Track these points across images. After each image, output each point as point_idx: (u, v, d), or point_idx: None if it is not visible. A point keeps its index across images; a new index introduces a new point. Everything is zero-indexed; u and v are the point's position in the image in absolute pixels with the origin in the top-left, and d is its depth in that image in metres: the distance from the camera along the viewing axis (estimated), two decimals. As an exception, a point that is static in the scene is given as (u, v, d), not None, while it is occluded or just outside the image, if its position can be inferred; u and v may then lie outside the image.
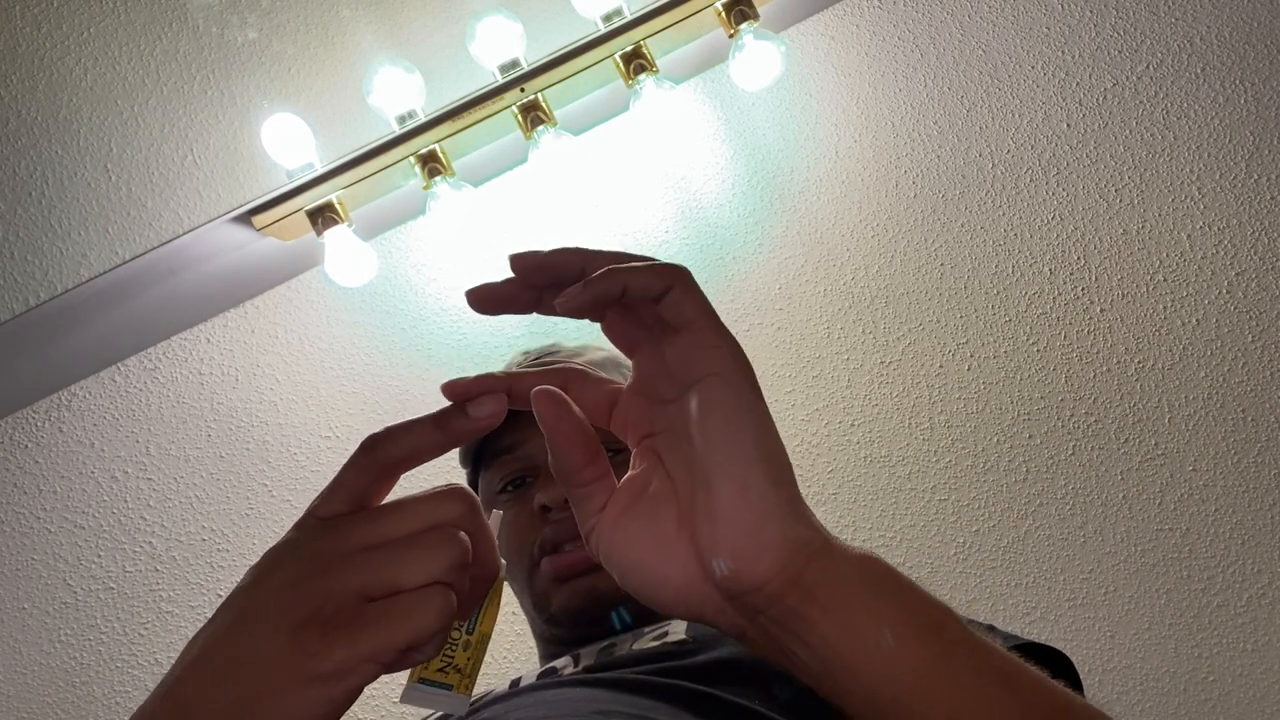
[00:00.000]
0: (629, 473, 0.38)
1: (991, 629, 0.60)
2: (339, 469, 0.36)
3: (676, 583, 0.35)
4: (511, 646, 1.29)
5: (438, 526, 0.33)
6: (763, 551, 0.32)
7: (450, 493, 0.35)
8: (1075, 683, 0.59)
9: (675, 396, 0.36)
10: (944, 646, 0.33)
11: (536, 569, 0.74)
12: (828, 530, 0.35)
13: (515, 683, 0.64)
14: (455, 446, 0.36)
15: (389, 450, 0.35)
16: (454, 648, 0.39)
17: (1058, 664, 0.59)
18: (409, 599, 0.31)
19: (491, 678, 1.29)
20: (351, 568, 0.32)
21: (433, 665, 0.38)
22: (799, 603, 0.33)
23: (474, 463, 0.85)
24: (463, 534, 0.33)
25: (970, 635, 0.35)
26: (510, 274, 0.37)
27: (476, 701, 0.66)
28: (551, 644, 0.76)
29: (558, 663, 0.65)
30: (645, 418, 0.38)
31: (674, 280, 0.35)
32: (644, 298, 0.35)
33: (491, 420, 0.36)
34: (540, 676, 0.63)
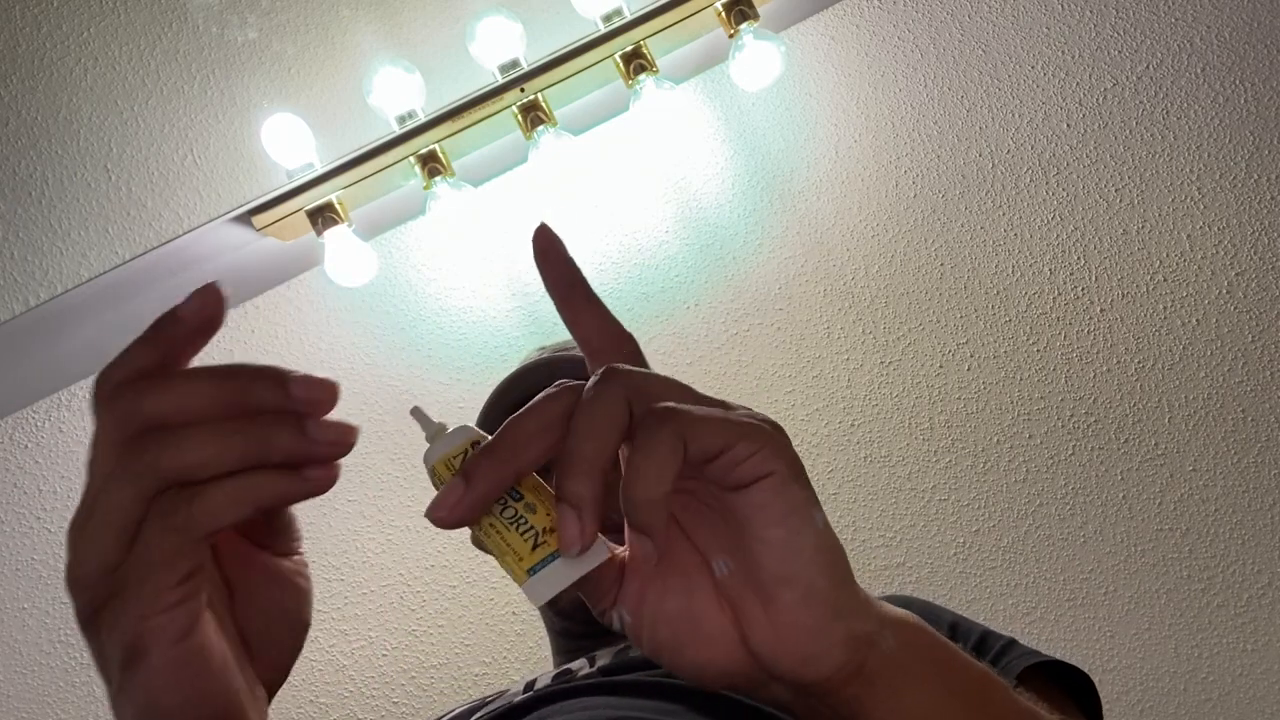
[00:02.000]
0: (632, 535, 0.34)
1: (1013, 644, 0.60)
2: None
3: (723, 665, 0.32)
4: (512, 646, 1.30)
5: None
6: (827, 654, 0.31)
7: (106, 406, 0.30)
8: (1094, 704, 0.59)
9: (714, 485, 0.32)
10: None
11: None
12: (871, 597, 0.34)
13: (530, 685, 0.64)
14: (180, 360, 0.32)
15: (105, 386, 0.31)
16: (518, 520, 0.32)
17: (1078, 683, 0.59)
18: (132, 557, 0.29)
19: (494, 678, 1.30)
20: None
21: (518, 551, 0.32)
22: (859, 691, 0.32)
23: None
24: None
25: (1018, 704, 0.35)
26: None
27: (489, 700, 0.66)
28: (564, 638, 0.77)
29: (574, 665, 0.65)
30: None
31: (742, 438, 0.31)
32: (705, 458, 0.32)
33: (200, 315, 0.31)
34: (556, 679, 0.63)
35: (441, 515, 0.30)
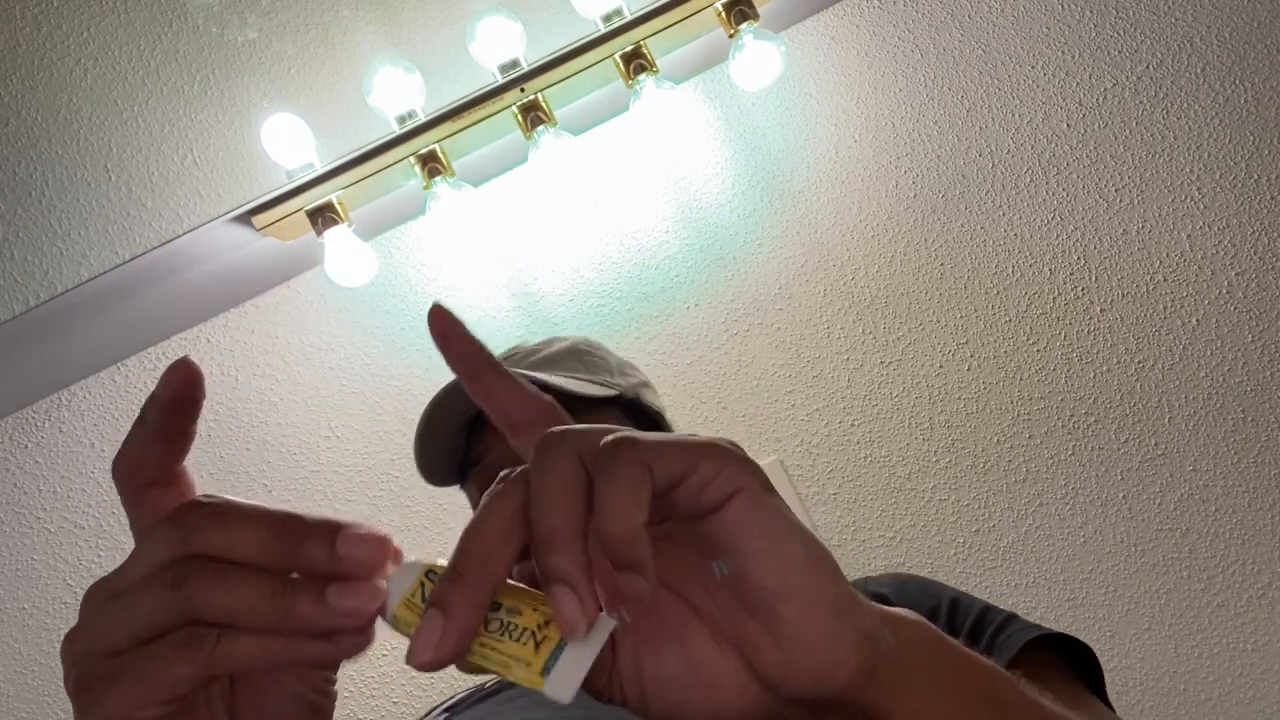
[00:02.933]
0: (607, 594, 0.32)
1: (1012, 618, 0.60)
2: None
3: (737, 707, 0.31)
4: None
5: (153, 570, 0.29)
6: (844, 660, 0.30)
7: (169, 519, 0.30)
8: (1097, 674, 0.59)
9: (686, 516, 0.31)
10: (1006, 713, 0.33)
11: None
12: (872, 605, 0.33)
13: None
14: (171, 437, 0.32)
15: (118, 473, 0.32)
16: (508, 629, 0.30)
17: (1079, 655, 0.59)
18: (142, 654, 0.28)
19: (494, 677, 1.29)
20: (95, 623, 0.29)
21: (523, 658, 0.30)
22: (875, 696, 0.31)
23: (461, 484, 0.80)
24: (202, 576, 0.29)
25: (1024, 695, 0.35)
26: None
27: (466, 698, 0.65)
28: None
29: None
30: None
31: (704, 458, 0.30)
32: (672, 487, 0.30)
33: (174, 399, 0.31)
34: None
35: (426, 659, 0.28)
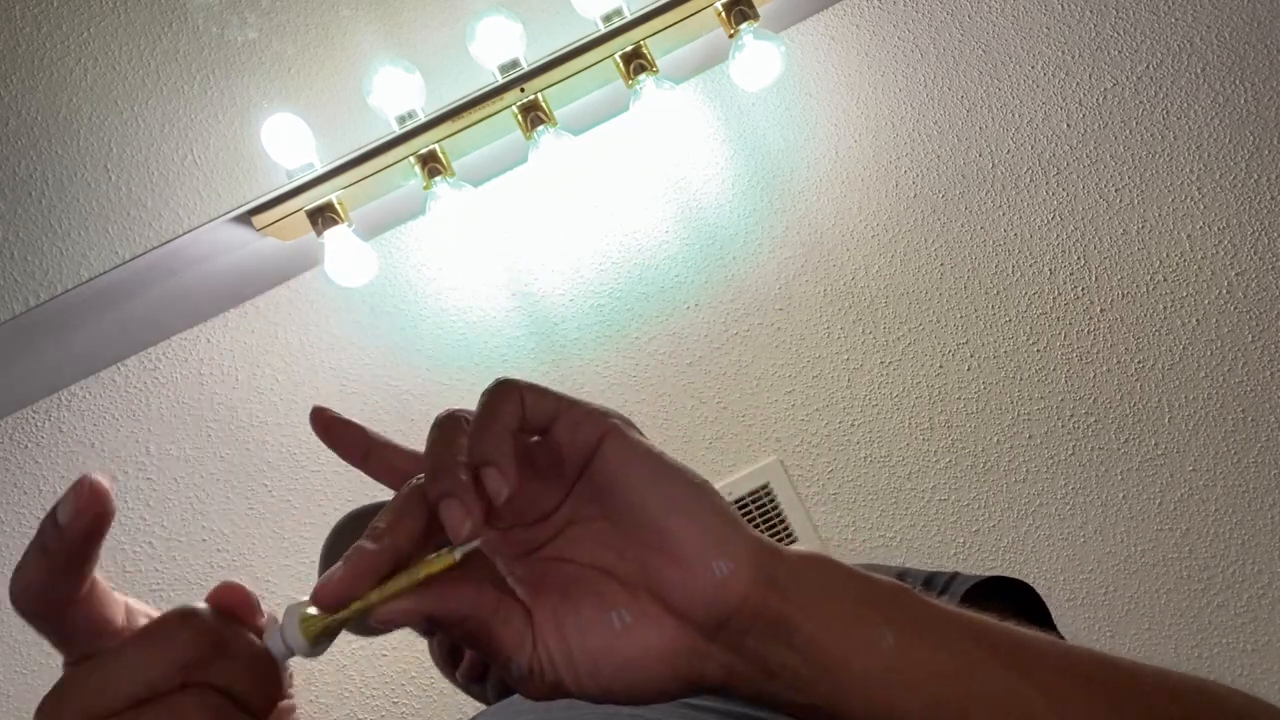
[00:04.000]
0: (528, 582, 0.34)
1: (955, 575, 0.60)
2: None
3: (659, 649, 0.32)
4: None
5: (150, 690, 0.28)
6: (739, 566, 0.32)
7: (160, 630, 0.29)
8: (1043, 612, 0.59)
9: (566, 490, 0.34)
10: (937, 632, 0.33)
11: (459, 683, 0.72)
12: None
13: None
14: (77, 568, 0.30)
15: (21, 604, 0.31)
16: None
17: (1022, 595, 0.59)
18: None
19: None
20: None
21: (428, 563, 0.32)
22: (780, 605, 0.32)
23: None
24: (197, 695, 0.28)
25: (931, 604, 0.34)
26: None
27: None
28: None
29: None
30: (527, 534, 0.35)
31: (574, 405, 0.34)
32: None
33: (84, 527, 0.29)
34: None
35: (324, 593, 0.30)
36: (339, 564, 0.31)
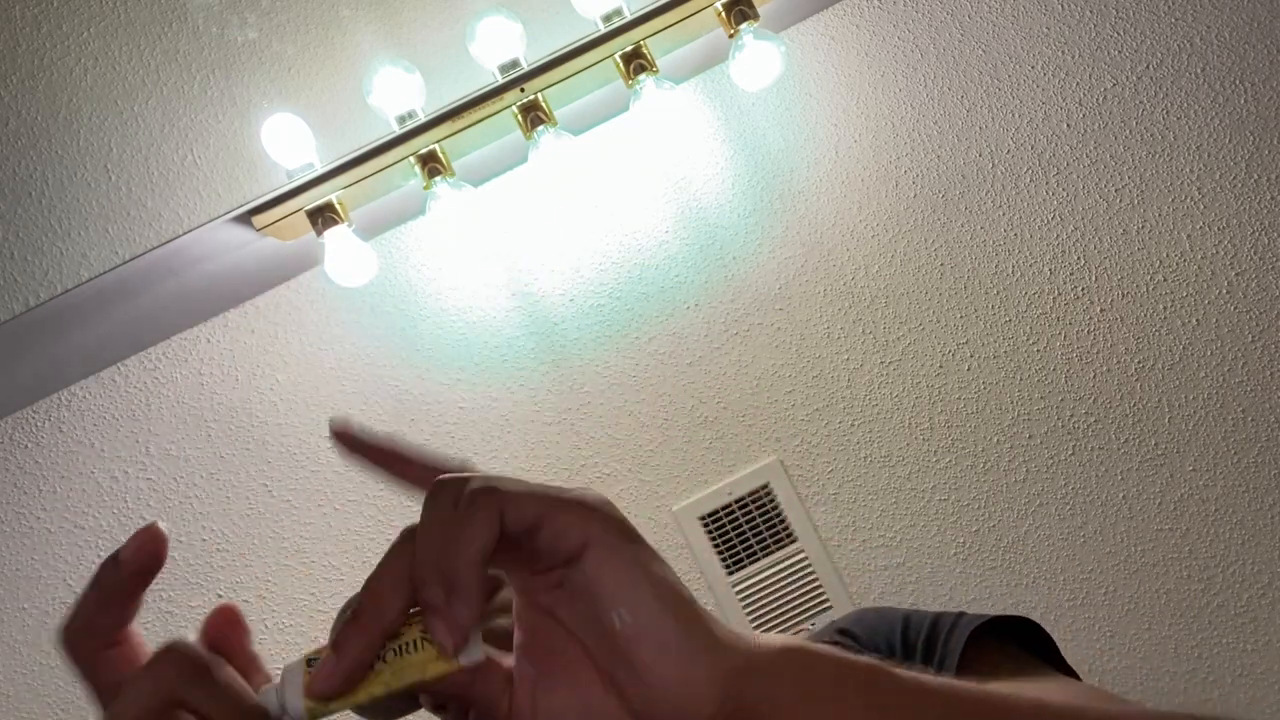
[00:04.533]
0: (520, 635, 0.35)
1: (960, 617, 0.60)
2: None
3: None
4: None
5: None
6: (698, 699, 0.32)
7: (148, 665, 0.31)
8: (1050, 648, 0.59)
9: (553, 567, 0.34)
10: (911, 711, 0.34)
11: None
12: (744, 636, 0.35)
13: None
14: (126, 604, 0.33)
15: (70, 639, 0.33)
16: (406, 647, 0.33)
17: (1029, 634, 0.59)
18: None
19: None
20: None
21: (426, 662, 0.33)
22: None
23: None
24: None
25: (904, 682, 0.35)
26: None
27: None
28: None
29: None
30: (524, 584, 0.35)
31: (561, 509, 0.33)
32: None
33: (141, 563, 0.33)
34: None
35: (318, 688, 0.31)
36: (330, 651, 0.31)
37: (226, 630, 0.33)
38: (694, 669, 0.32)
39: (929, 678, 0.35)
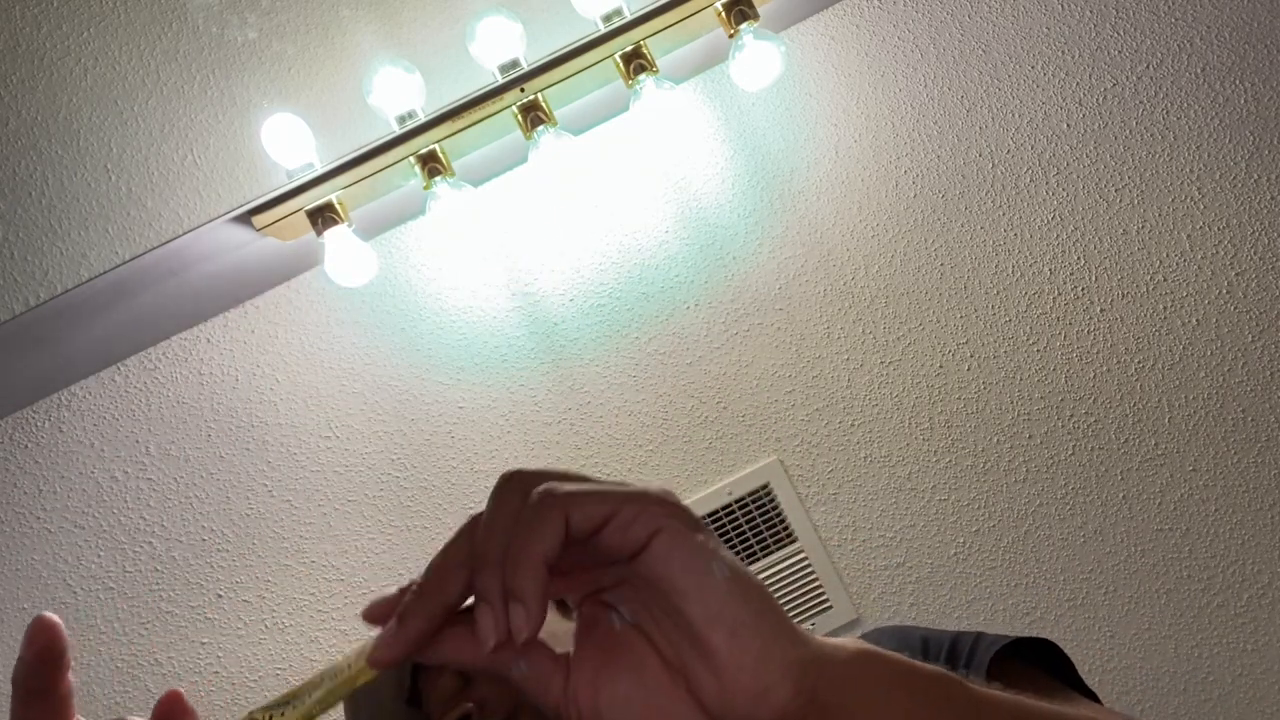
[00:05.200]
0: (579, 625, 0.35)
1: (980, 637, 0.60)
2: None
3: None
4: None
5: None
6: (774, 685, 0.32)
7: None
8: (1069, 670, 0.59)
9: (623, 558, 0.34)
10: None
11: None
12: (816, 637, 0.35)
13: None
14: (48, 696, 0.33)
15: None
16: (326, 677, 0.34)
17: (1046, 655, 0.59)
18: None
19: None
20: None
21: (343, 670, 0.34)
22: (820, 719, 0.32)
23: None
24: None
25: (974, 693, 0.35)
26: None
27: None
28: None
29: None
30: (588, 576, 0.35)
31: (625, 503, 0.33)
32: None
33: (42, 656, 0.33)
34: None
35: (379, 655, 0.32)
36: (393, 622, 0.32)
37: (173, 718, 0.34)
38: (768, 654, 0.32)
39: (997, 691, 0.35)
